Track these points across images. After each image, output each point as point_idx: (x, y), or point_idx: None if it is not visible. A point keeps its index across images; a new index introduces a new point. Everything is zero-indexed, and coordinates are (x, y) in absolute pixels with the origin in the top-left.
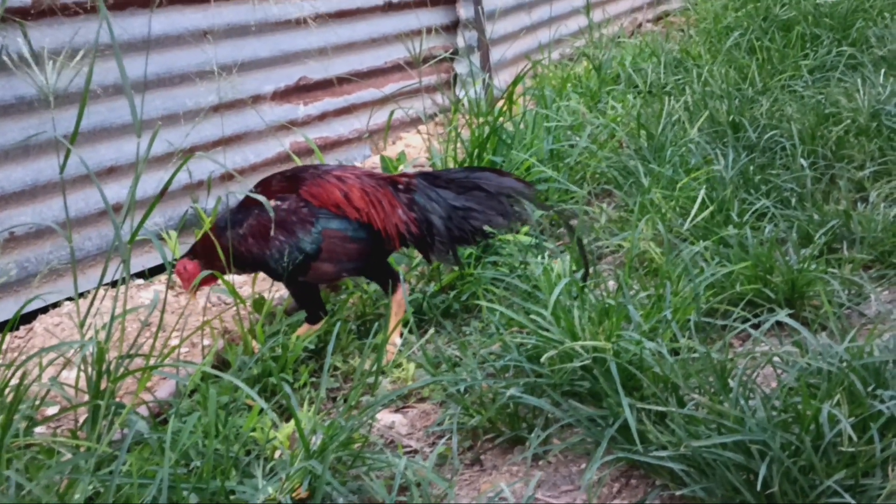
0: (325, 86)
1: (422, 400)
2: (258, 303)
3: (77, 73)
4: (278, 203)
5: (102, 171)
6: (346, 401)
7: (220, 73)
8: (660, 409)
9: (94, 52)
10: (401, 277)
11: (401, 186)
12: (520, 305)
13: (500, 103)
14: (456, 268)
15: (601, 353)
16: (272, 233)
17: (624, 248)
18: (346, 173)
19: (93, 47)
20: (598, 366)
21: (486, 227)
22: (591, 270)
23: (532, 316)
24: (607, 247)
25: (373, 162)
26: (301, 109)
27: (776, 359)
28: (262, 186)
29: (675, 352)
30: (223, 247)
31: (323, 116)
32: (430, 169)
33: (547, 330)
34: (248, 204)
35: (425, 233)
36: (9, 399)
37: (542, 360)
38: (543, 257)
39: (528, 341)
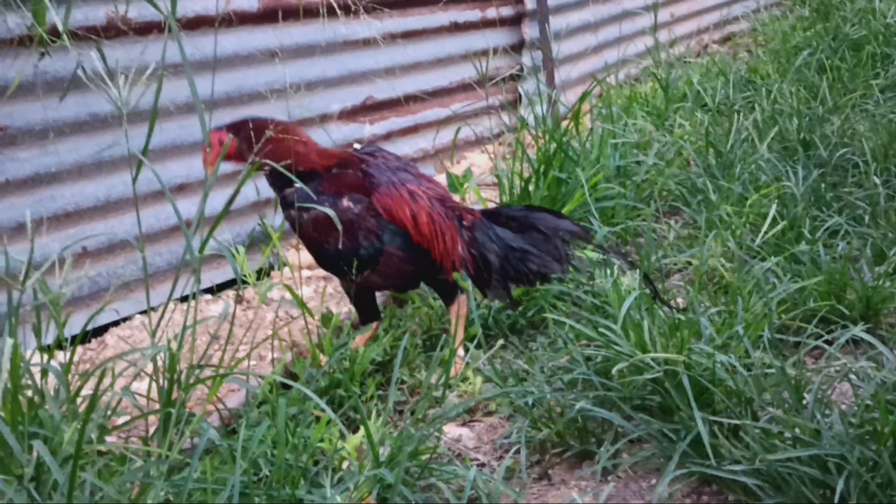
0: (391, 105)
1: (489, 413)
2: (326, 318)
3: (146, 90)
4: (349, 205)
5: (173, 187)
6: (412, 413)
7: (289, 91)
8: (733, 422)
9: (161, 69)
10: (461, 289)
11: (466, 223)
12: (588, 319)
13: (567, 122)
14: (510, 307)
15: (672, 365)
16: (336, 231)
17: (693, 265)
18: (420, 189)
19: (161, 65)
20: (669, 379)
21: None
22: (665, 301)
23: (601, 329)
24: (675, 263)
25: (438, 180)
26: (367, 128)
27: (852, 374)
28: (336, 174)
29: (747, 367)
30: (292, 219)
31: (388, 135)
32: (492, 201)
33: (616, 343)
34: (321, 187)
35: (482, 270)
36: (81, 408)
37: (612, 372)
38: (612, 273)
39: (597, 354)
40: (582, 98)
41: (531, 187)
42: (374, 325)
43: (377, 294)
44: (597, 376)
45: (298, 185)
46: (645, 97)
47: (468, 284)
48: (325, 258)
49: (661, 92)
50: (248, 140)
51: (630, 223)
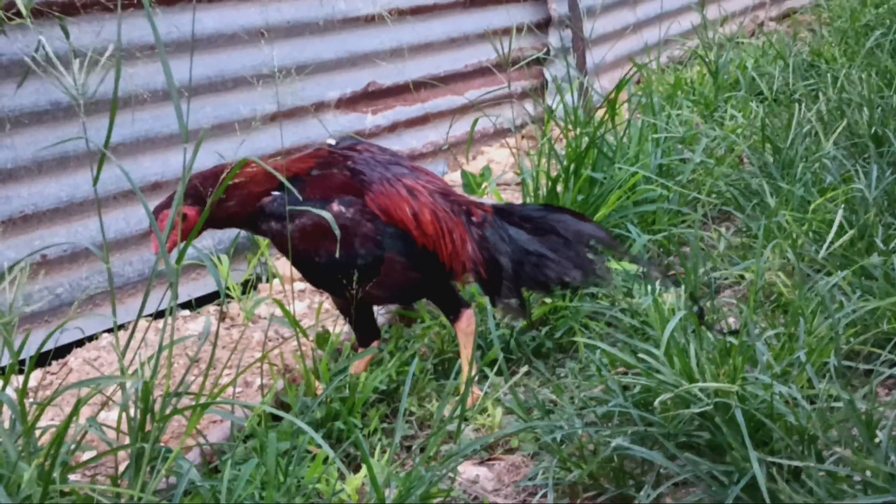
0: (396, 92)
1: (510, 451)
2: (322, 337)
3: (106, 75)
4: (340, 209)
5: (146, 186)
6: (423, 450)
7: (279, 76)
8: (794, 464)
9: (118, 52)
10: (466, 302)
11: (475, 219)
12: (625, 342)
13: (601, 112)
14: (523, 319)
15: (724, 397)
16: (327, 241)
17: (747, 280)
18: (419, 184)
19: (119, 46)
20: (720, 413)
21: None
22: (710, 325)
23: (640, 354)
24: (726, 278)
25: (450, 179)
26: (369, 119)
27: None
28: (319, 177)
29: (811, 399)
30: (273, 233)
31: (394, 127)
32: (506, 200)
33: (658, 371)
34: (305, 192)
35: (493, 275)
36: (41, 441)
37: (654, 405)
38: (652, 288)
39: (636, 383)
40: (619, 85)
41: (560, 188)
42: (374, 344)
43: (379, 313)
44: (636, 409)
45: (276, 193)
46: (691, 84)
47: (481, 297)
48: (317, 273)
49: (710, 78)
50: (202, 198)
51: (674, 230)
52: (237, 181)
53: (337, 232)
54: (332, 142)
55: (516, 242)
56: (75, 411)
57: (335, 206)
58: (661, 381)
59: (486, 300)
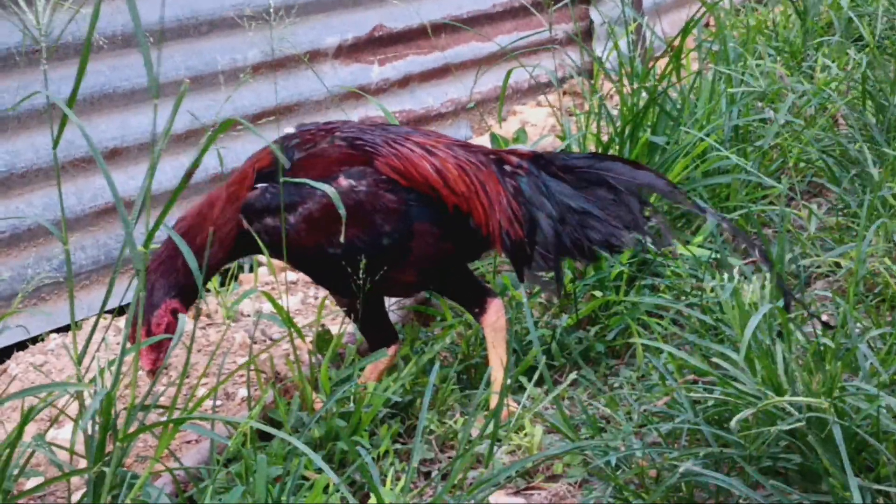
0: (409, 37)
1: (553, 478)
2: (322, 339)
3: (75, 15)
4: (350, 182)
5: (103, 152)
6: (445, 477)
7: (265, 18)
8: None
9: None
10: (492, 290)
11: (508, 167)
12: (694, 345)
13: (662, 62)
14: (559, 297)
15: (818, 412)
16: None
17: (844, 268)
18: (430, 140)
19: None
20: (813, 431)
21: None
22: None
23: (714, 360)
24: (818, 266)
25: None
26: (375, 70)
27: None
28: (309, 155)
29: None
30: (268, 232)
31: (406, 81)
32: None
33: (737, 380)
34: (298, 176)
35: (526, 238)
36: None
37: (732, 422)
38: (729, 277)
39: (710, 395)
40: (685, 29)
41: (612, 154)
42: (390, 349)
43: (391, 309)
44: (709, 426)
45: (262, 185)
46: (773, 27)
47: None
48: (332, 267)
49: (797, 20)
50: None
51: (753, 207)
52: (189, 226)
53: (342, 211)
54: (291, 129)
55: (556, 197)
56: (20, 428)
57: (342, 181)
58: (741, 393)
59: (521, 293)
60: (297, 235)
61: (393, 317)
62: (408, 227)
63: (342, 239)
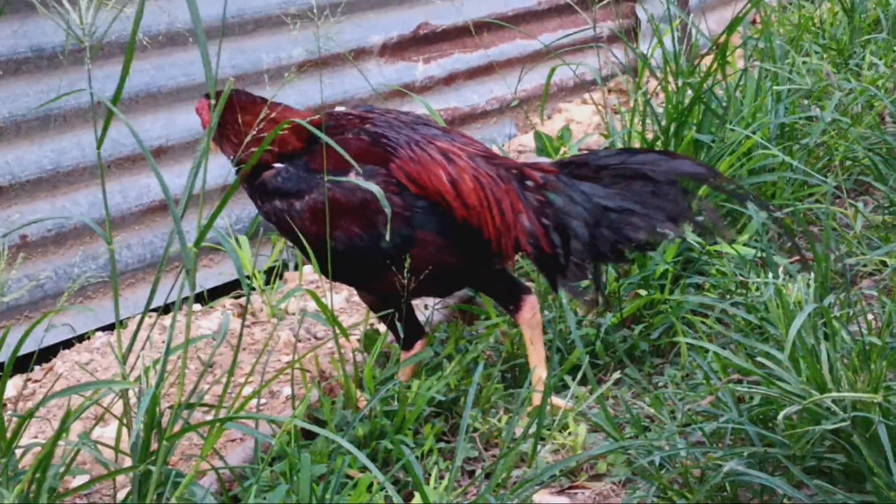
0: (453, 35)
1: (597, 477)
2: (369, 338)
3: (118, 14)
4: (360, 179)
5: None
6: (489, 476)
7: (310, 16)
8: None
9: None
10: (526, 287)
11: (530, 183)
12: (739, 344)
13: (707, 59)
14: (597, 305)
15: (864, 411)
16: (344, 220)
17: (890, 267)
18: (455, 146)
19: None
20: (858, 430)
21: (652, 238)
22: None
23: (759, 359)
24: (865, 264)
25: (520, 143)
26: (420, 69)
27: None
28: (335, 139)
29: None
30: (277, 213)
31: (450, 79)
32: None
33: (781, 379)
34: (314, 164)
35: (559, 248)
36: (23, 463)
37: (777, 420)
38: (775, 276)
39: (754, 394)
40: (731, 25)
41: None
42: (417, 346)
43: (436, 308)
44: (753, 425)
45: (279, 165)
46: (820, 24)
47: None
48: (332, 260)
49: (844, 17)
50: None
51: (799, 205)
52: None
53: (388, 210)
54: (342, 109)
55: (592, 199)
56: (64, 426)
57: (353, 177)
58: (785, 392)
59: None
60: (301, 223)
61: (438, 315)
62: (410, 234)
63: (341, 232)
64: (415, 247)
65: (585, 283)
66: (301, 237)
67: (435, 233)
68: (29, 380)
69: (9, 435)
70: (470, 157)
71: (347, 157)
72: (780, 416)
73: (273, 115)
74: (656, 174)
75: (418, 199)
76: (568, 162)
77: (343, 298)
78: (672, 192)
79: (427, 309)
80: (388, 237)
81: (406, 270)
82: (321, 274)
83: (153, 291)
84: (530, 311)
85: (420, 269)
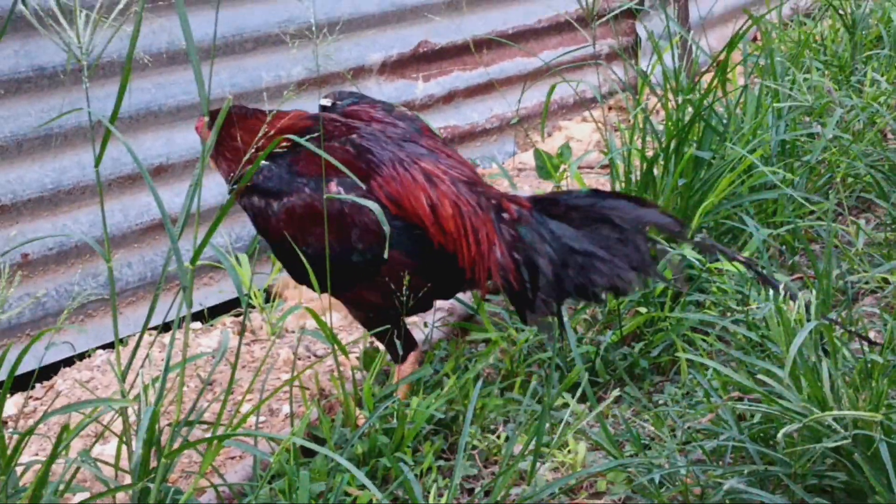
0: (453, 53)
1: (597, 495)
2: (369, 356)
3: (116, 33)
4: (340, 190)
5: (148, 169)
6: (488, 493)
7: (309, 35)
8: None
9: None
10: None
11: (507, 216)
12: (739, 361)
13: (708, 76)
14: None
15: (865, 429)
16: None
17: (892, 284)
18: (439, 168)
19: None
20: (860, 448)
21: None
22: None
23: (759, 376)
24: (867, 282)
25: (520, 161)
26: (419, 87)
27: None
28: (321, 143)
29: None
30: (255, 210)
31: (450, 97)
32: (589, 186)
33: (782, 396)
34: (297, 166)
35: (527, 283)
36: (23, 481)
37: (777, 438)
38: (776, 294)
39: (754, 412)
40: (731, 42)
41: (657, 170)
42: (411, 357)
43: (436, 326)
44: (754, 443)
45: (264, 163)
46: (821, 41)
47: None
48: (300, 265)
49: (846, 34)
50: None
51: (800, 223)
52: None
53: (387, 228)
54: (327, 102)
55: (560, 240)
56: (61, 441)
57: (333, 187)
58: (786, 410)
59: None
60: (276, 223)
61: (437, 333)
62: (382, 252)
63: (313, 239)
64: (386, 265)
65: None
66: (274, 238)
67: (407, 253)
68: (30, 397)
69: (9, 452)
70: (453, 181)
71: (339, 164)
72: (780, 434)
73: (269, 130)
74: (624, 221)
75: (396, 219)
76: (542, 198)
77: (342, 316)
78: (637, 241)
79: (427, 326)
80: (357, 251)
81: (370, 286)
82: (290, 275)
83: (152, 309)
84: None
85: (390, 288)
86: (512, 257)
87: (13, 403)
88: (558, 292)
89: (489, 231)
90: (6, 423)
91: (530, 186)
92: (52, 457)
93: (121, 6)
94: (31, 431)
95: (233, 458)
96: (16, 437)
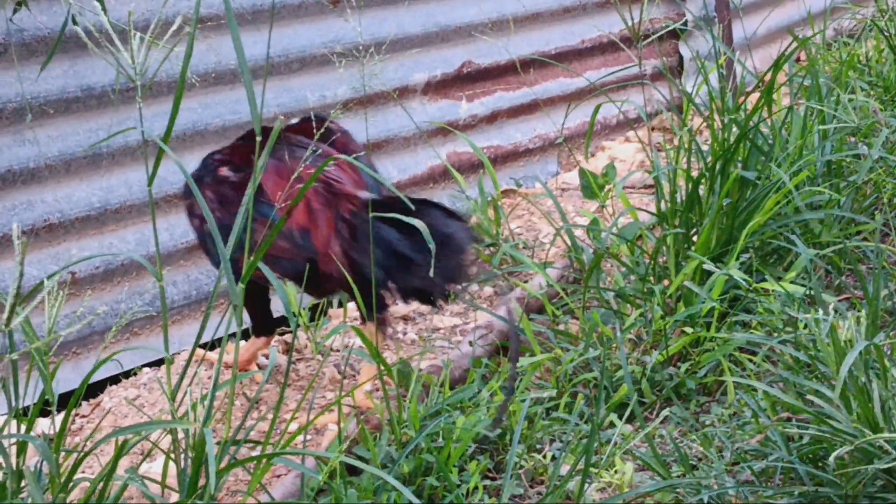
0: (497, 73)
1: None
2: (403, 374)
3: (171, 53)
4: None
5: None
6: None
7: (355, 55)
8: None
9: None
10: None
11: (345, 214)
12: (787, 381)
13: (752, 98)
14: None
15: None
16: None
17: None
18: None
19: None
20: None
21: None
22: None
23: (809, 397)
24: None
25: (563, 181)
26: (463, 107)
27: None
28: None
29: None
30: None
31: (493, 117)
32: (645, 210)
33: (832, 418)
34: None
35: (361, 283)
36: (70, 498)
37: (829, 460)
38: (825, 313)
39: (804, 433)
40: (777, 63)
41: (702, 190)
42: (260, 340)
43: (478, 345)
44: (803, 464)
45: None
46: (866, 62)
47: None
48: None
49: (890, 54)
50: None
51: (847, 243)
52: None
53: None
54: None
55: (387, 242)
56: (119, 458)
57: (223, 171)
58: (837, 431)
59: (610, 329)
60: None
61: (480, 350)
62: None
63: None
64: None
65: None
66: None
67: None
68: (77, 415)
69: (66, 471)
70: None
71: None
72: (832, 457)
73: None
74: (434, 231)
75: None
76: (374, 201)
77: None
78: (448, 252)
79: (471, 345)
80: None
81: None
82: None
83: (202, 327)
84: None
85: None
86: (348, 257)
87: (59, 420)
88: (391, 288)
89: (330, 222)
90: (52, 440)
91: (573, 206)
92: (109, 473)
93: (175, 27)
94: (91, 451)
95: (278, 476)
96: (64, 454)
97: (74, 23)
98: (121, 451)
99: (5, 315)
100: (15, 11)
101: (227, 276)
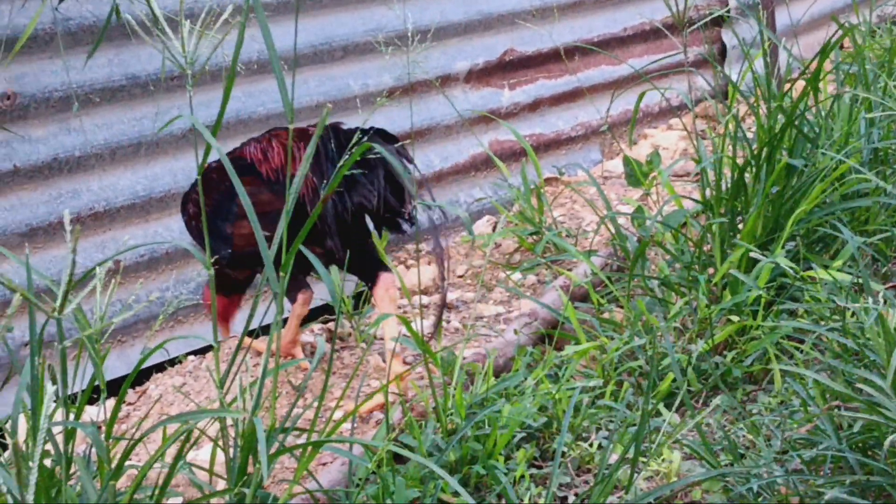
0: (539, 61)
1: None
2: (448, 363)
3: (222, 41)
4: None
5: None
6: (583, 502)
7: (397, 43)
8: None
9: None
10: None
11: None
12: (836, 370)
13: (798, 84)
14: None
15: None
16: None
17: None
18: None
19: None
20: None
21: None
22: None
23: (859, 385)
24: None
25: (606, 169)
26: (505, 95)
27: None
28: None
29: None
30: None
31: (536, 105)
32: (689, 198)
33: (883, 406)
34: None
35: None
36: (119, 485)
37: (884, 447)
38: (873, 301)
39: (854, 421)
40: (823, 50)
41: (748, 177)
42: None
43: (522, 332)
44: (853, 453)
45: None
46: None
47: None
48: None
49: None
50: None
51: (894, 230)
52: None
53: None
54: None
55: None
56: (165, 445)
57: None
58: (888, 419)
59: (656, 318)
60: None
61: (524, 338)
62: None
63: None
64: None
65: None
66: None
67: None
68: (123, 402)
69: (117, 457)
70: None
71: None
72: (885, 444)
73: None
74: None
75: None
76: (329, 126)
77: (430, 323)
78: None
79: (517, 333)
80: None
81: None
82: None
83: (251, 316)
84: (381, 287)
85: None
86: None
87: (105, 408)
88: (335, 218)
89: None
90: (100, 427)
91: (616, 195)
92: (152, 461)
93: (225, 16)
94: (141, 440)
95: (324, 464)
96: (112, 441)
97: (117, 15)
98: (173, 440)
99: (58, 303)
100: (61, 0)
101: (268, 269)
